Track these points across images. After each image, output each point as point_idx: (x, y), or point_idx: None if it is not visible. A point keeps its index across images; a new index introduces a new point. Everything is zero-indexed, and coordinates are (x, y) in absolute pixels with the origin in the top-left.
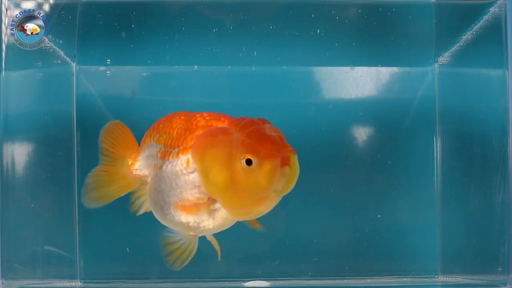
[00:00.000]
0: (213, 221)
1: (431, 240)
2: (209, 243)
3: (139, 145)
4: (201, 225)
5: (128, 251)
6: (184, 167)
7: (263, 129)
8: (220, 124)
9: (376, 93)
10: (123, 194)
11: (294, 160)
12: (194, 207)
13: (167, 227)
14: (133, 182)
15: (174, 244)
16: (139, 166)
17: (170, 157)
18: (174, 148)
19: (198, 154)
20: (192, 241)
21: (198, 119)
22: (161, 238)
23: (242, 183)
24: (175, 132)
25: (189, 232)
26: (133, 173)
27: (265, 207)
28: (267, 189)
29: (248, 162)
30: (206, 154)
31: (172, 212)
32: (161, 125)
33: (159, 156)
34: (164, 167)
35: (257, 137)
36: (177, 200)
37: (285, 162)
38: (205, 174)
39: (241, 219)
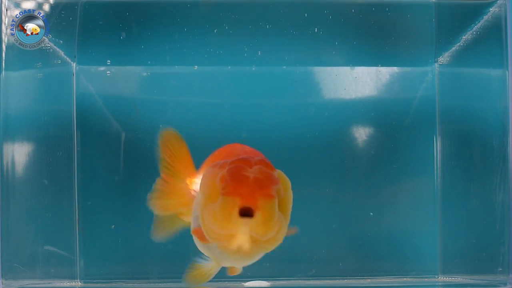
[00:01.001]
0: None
1: (431, 240)
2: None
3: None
4: (216, 254)
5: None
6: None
7: (244, 169)
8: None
9: (376, 93)
10: (184, 209)
11: (265, 204)
12: (202, 235)
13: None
14: (192, 201)
15: (198, 265)
16: (197, 188)
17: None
18: None
19: (204, 176)
20: (213, 267)
21: (244, 148)
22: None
23: (209, 213)
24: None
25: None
26: (192, 193)
27: (235, 247)
28: (223, 224)
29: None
30: (201, 183)
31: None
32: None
33: None
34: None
35: (232, 174)
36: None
37: (245, 200)
38: (198, 198)
39: (229, 262)
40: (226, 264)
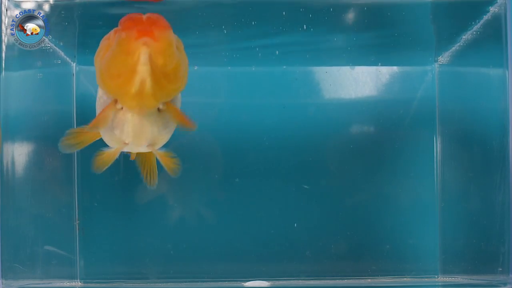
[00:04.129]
0: (126, 124)
1: (431, 240)
2: (208, 243)
3: None
4: (119, 133)
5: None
6: None
7: (138, 14)
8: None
9: (376, 93)
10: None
11: (162, 34)
12: (101, 114)
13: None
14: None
15: (102, 152)
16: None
17: None
18: None
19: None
20: (116, 150)
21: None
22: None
23: (107, 58)
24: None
25: (122, 146)
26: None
27: (137, 84)
28: (123, 59)
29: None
30: (97, 53)
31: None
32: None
33: None
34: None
35: (126, 19)
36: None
37: (142, 33)
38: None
39: (133, 105)
40: (127, 139)
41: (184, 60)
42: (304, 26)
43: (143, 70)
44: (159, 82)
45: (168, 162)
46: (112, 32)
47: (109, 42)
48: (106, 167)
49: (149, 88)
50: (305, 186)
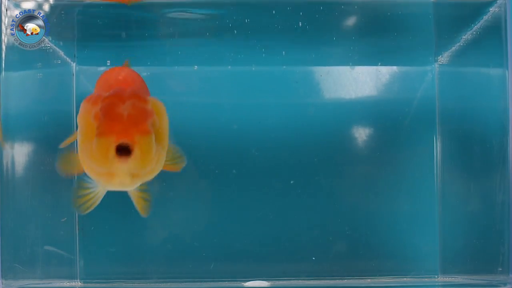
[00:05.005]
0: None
1: (431, 240)
2: (208, 243)
3: None
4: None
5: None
6: None
7: (117, 105)
8: (110, 89)
9: (376, 93)
10: None
11: (142, 140)
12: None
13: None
14: None
15: (85, 189)
16: None
17: None
18: None
19: (79, 113)
20: (100, 191)
21: (112, 76)
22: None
23: (89, 152)
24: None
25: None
26: None
27: (117, 184)
28: (101, 164)
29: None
30: (79, 115)
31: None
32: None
33: None
34: None
35: (105, 113)
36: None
37: (120, 136)
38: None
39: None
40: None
41: (164, 129)
42: (304, 25)
43: (121, 176)
44: (138, 178)
45: (140, 201)
46: (93, 97)
47: (89, 124)
48: (92, 208)
49: (128, 184)
50: (291, 182)
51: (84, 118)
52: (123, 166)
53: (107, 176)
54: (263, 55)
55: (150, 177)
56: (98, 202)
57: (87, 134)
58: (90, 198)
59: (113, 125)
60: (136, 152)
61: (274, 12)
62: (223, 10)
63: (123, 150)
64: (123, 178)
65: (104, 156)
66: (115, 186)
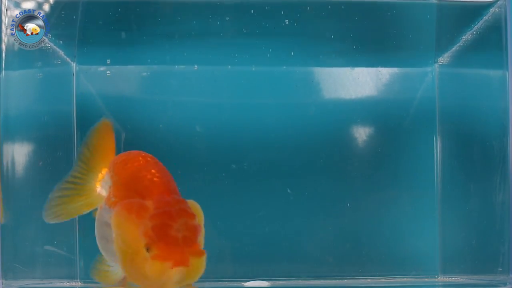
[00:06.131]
0: None
1: (431, 240)
2: (208, 243)
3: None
4: None
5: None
6: (108, 219)
7: (170, 225)
8: (149, 196)
9: (376, 93)
10: (86, 212)
11: (195, 262)
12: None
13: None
14: (97, 201)
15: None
16: (103, 185)
17: (105, 202)
18: (111, 197)
19: (114, 222)
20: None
21: (147, 176)
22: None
23: (137, 268)
24: (120, 181)
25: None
26: (97, 190)
27: None
28: (154, 283)
29: (148, 250)
30: (119, 226)
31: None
32: (117, 165)
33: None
34: (100, 209)
35: (159, 232)
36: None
37: (178, 264)
38: (116, 241)
39: None
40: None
41: (203, 231)
42: (304, 26)
43: None
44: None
45: None
46: (134, 206)
47: (136, 239)
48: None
49: None
50: (289, 191)
51: (128, 230)
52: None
53: None
54: (263, 55)
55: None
56: (115, 282)
57: (133, 247)
58: (110, 276)
59: (169, 250)
60: (190, 271)
61: (274, 12)
62: (223, 10)
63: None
64: None
65: (159, 278)
66: None
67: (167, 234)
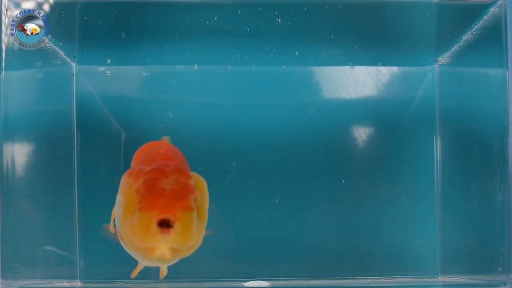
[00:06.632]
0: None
1: (431, 240)
2: (208, 243)
3: None
4: (139, 258)
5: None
6: None
7: (160, 179)
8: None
9: (376, 93)
10: None
11: (184, 216)
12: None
13: None
14: None
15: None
16: None
17: None
18: None
19: (119, 190)
20: (138, 266)
21: (155, 151)
22: None
23: (128, 225)
24: (134, 161)
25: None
26: None
27: (157, 258)
28: (142, 239)
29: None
30: (120, 191)
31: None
32: (136, 152)
33: None
34: None
35: (147, 187)
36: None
37: (163, 211)
38: (117, 208)
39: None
40: (149, 265)
41: (205, 205)
42: (304, 25)
43: (162, 250)
44: (179, 253)
45: (164, 268)
46: (135, 170)
47: (130, 198)
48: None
49: (168, 259)
50: (276, 201)
51: (125, 192)
52: (164, 240)
53: (147, 251)
54: (263, 55)
55: (189, 252)
56: (134, 276)
57: (128, 208)
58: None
59: (155, 200)
60: (177, 227)
61: (274, 12)
62: (223, 10)
63: (165, 225)
64: (163, 252)
65: (145, 231)
66: (155, 260)
67: (155, 186)
